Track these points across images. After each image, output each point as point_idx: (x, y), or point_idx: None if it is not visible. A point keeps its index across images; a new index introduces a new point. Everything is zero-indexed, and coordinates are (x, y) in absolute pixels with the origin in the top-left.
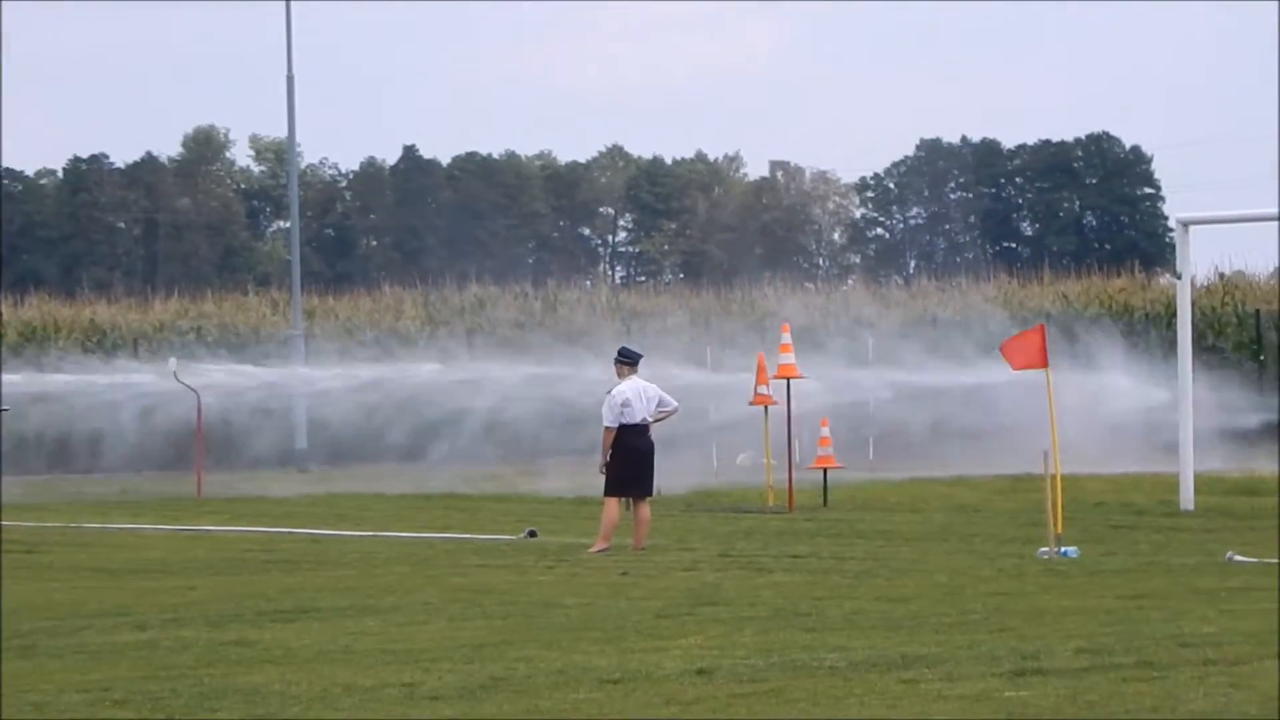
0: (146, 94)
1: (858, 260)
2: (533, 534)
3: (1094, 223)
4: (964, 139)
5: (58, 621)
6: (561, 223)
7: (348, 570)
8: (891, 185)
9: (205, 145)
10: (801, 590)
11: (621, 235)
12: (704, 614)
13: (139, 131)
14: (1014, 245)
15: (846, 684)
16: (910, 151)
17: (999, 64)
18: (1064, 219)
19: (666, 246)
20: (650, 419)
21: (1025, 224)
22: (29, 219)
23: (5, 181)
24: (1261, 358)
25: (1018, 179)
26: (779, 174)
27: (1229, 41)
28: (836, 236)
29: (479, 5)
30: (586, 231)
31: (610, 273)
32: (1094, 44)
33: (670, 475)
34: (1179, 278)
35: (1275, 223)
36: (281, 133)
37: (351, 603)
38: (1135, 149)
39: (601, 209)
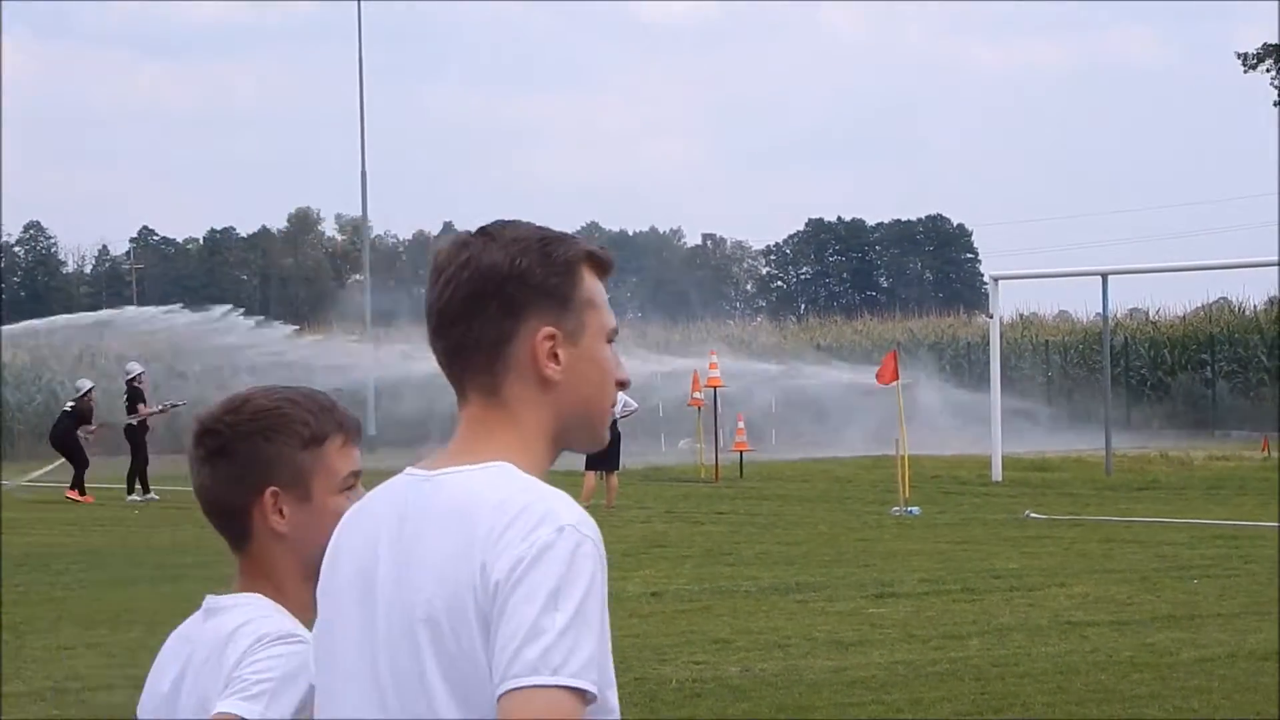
0: (262, 184)
1: (764, 304)
2: None
3: (931, 278)
4: (839, 218)
5: (200, 557)
6: None
7: None
8: (788, 251)
9: (303, 221)
10: (725, 537)
11: None
12: (655, 553)
13: (257, 210)
14: (874, 294)
15: (757, 603)
16: (801, 227)
17: (864, 163)
18: (910, 275)
19: (629, 293)
20: (619, 415)
21: (882, 279)
22: (179, 273)
23: (163, 245)
24: (1049, 374)
25: (877, 246)
26: (708, 242)
27: (1034, 147)
28: (749, 287)
29: (489, 130)
30: None
31: None
32: (932, 152)
33: (631, 455)
34: (991, 317)
35: (1061, 279)
36: (357, 212)
37: None
38: (960, 225)
39: None
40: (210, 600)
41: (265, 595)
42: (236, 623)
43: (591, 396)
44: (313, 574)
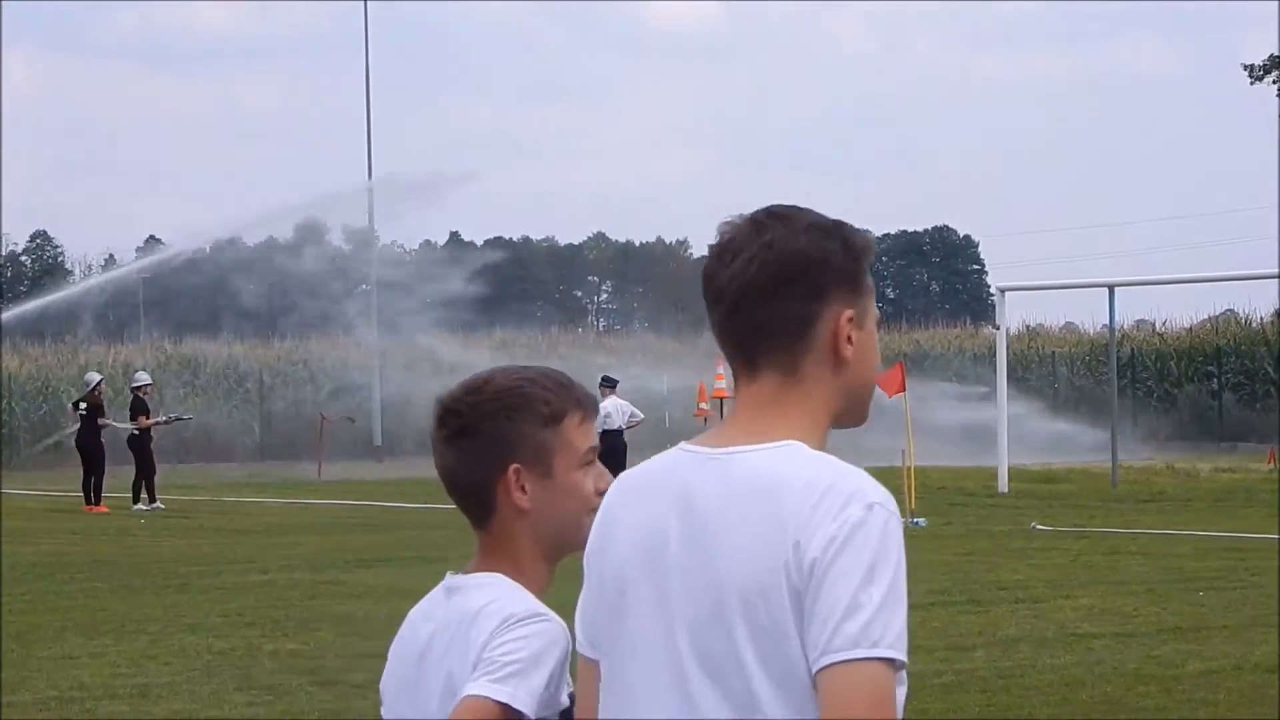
0: (270, 194)
1: None
2: None
3: (937, 289)
4: None
5: (205, 567)
6: (561, 287)
7: (410, 531)
8: None
9: (310, 231)
10: None
11: (604, 296)
12: None
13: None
14: (881, 305)
15: None
16: None
17: (870, 174)
18: (916, 286)
19: (635, 304)
20: (624, 425)
21: (889, 290)
22: (185, 282)
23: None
24: (1056, 385)
25: (884, 258)
26: None
27: (1040, 159)
28: None
29: (496, 141)
30: (579, 293)
31: (596, 323)
32: (939, 162)
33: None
34: (998, 329)
35: (1067, 290)
36: (364, 223)
37: (413, 554)
38: (967, 237)
39: (590, 277)
40: (451, 579)
41: (504, 573)
42: (481, 602)
43: (870, 376)
44: (551, 550)
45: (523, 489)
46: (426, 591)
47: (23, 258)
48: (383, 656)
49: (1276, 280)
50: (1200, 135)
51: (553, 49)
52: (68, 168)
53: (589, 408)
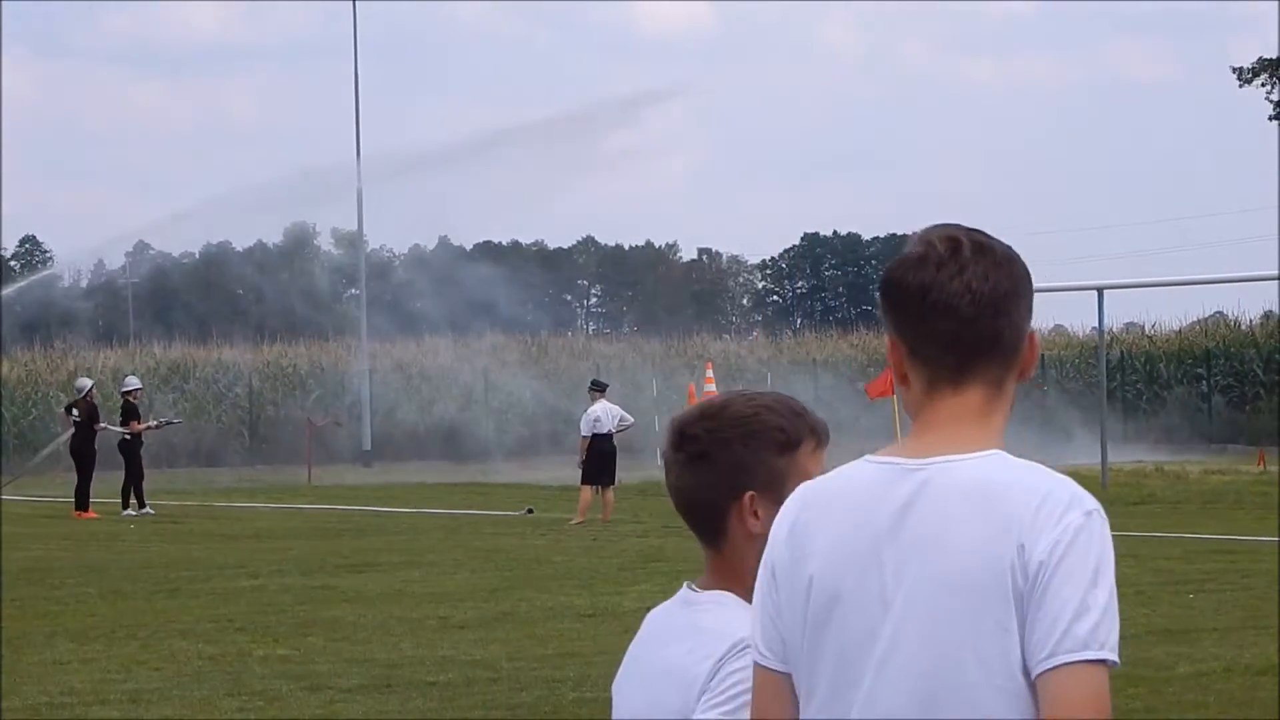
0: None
1: (759, 319)
2: (530, 511)
3: None
4: (834, 232)
5: (195, 572)
6: (550, 290)
7: (399, 536)
8: (784, 265)
9: (299, 235)
10: None
11: (593, 300)
12: (651, 568)
13: (254, 225)
14: (870, 308)
15: None
16: (797, 241)
17: (860, 177)
18: None
19: (625, 308)
20: (614, 429)
21: (878, 293)
22: (175, 287)
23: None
24: (1045, 388)
25: (874, 260)
26: (704, 257)
27: (1029, 162)
28: (745, 301)
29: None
30: (568, 297)
31: (585, 326)
32: (928, 165)
33: (627, 470)
34: None
35: (1057, 293)
36: (353, 226)
37: (403, 559)
38: None
39: (579, 281)
40: (689, 592)
41: (735, 593)
42: (715, 622)
43: None
44: None
45: (755, 515)
46: (414, 595)
47: (12, 263)
48: (372, 661)
49: (1268, 282)
50: (1190, 137)
51: (540, 51)
52: (56, 172)
53: (821, 435)
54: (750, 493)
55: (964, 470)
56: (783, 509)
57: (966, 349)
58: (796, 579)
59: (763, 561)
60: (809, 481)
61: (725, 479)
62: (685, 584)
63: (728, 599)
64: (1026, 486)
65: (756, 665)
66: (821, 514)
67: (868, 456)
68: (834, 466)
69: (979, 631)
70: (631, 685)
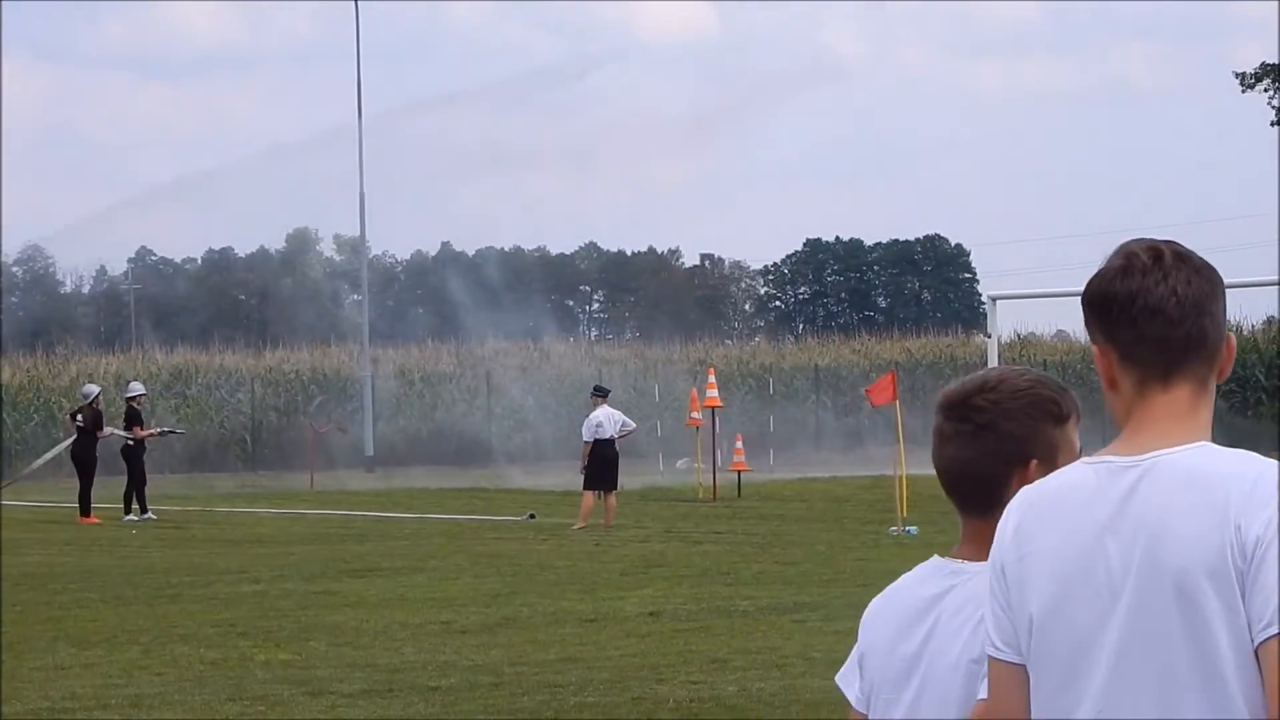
0: (261, 205)
1: (762, 324)
2: (532, 516)
3: (929, 298)
4: (837, 238)
5: (197, 577)
6: (553, 296)
7: (401, 541)
8: (786, 271)
9: (301, 240)
10: (722, 556)
11: (595, 305)
12: (654, 573)
13: (257, 231)
14: (872, 314)
15: (755, 623)
16: (799, 247)
17: (862, 183)
18: (908, 295)
19: (627, 314)
20: (616, 435)
21: (880, 299)
22: (179, 292)
23: (161, 265)
24: None
25: (875, 267)
26: (706, 263)
27: (1032, 167)
28: (747, 307)
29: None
30: (570, 303)
31: (587, 332)
32: (930, 171)
33: (629, 475)
34: (989, 337)
35: (1059, 298)
36: (355, 232)
37: (405, 564)
38: (958, 245)
39: (582, 286)
40: (950, 562)
41: None
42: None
43: None
44: None
45: None
46: (417, 600)
47: (14, 269)
48: (374, 666)
49: (1269, 288)
50: (1191, 143)
51: (542, 56)
52: (57, 177)
53: (1078, 411)
54: (1034, 460)
55: (1179, 461)
56: (1007, 509)
57: (1176, 350)
58: (1024, 574)
59: (990, 559)
60: (1030, 484)
61: (1010, 449)
62: (935, 556)
63: None
64: (1239, 472)
65: (992, 659)
66: (1044, 512)
67: (1083, 459)
68: (825, 467)
69: (1212, 614)
70: (886, 646)
